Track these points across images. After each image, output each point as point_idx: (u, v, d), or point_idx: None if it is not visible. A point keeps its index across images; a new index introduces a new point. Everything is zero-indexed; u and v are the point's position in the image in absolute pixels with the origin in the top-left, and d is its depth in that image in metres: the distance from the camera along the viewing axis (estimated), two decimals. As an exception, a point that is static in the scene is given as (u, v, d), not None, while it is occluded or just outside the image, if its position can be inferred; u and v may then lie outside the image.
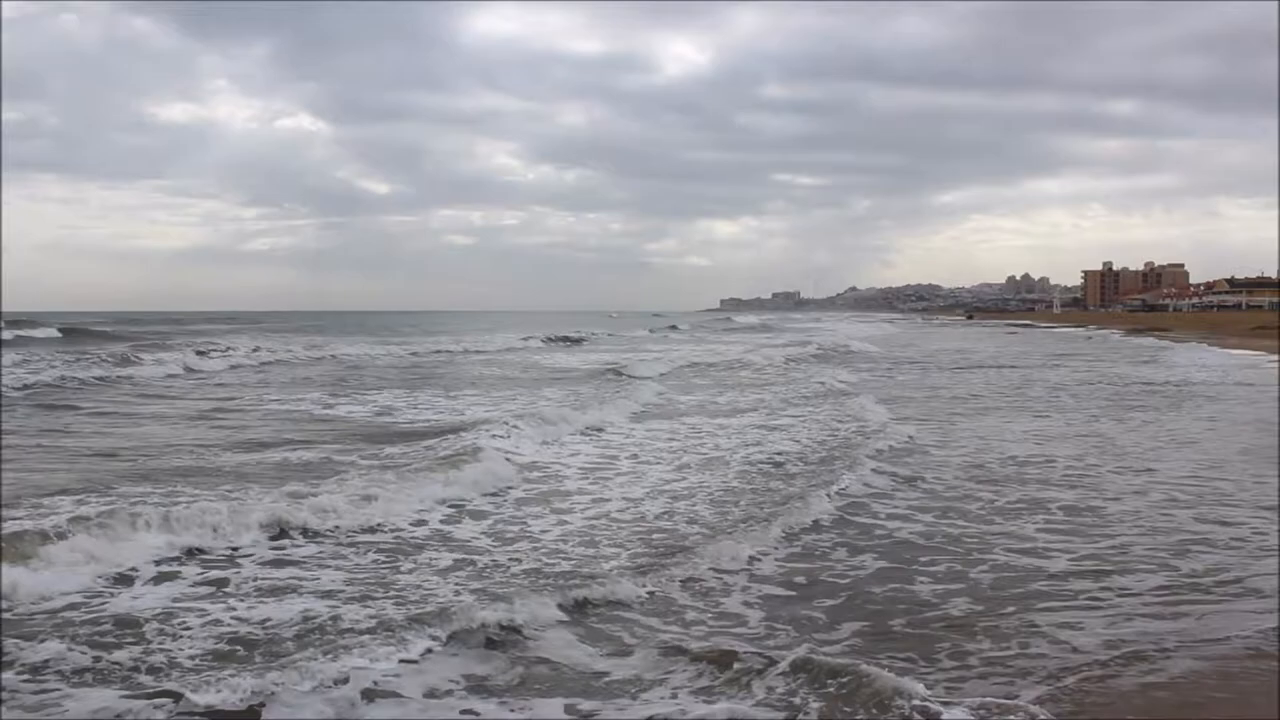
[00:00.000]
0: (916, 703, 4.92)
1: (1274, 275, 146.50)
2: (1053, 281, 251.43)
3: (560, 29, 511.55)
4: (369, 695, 5.34)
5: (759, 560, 8.16)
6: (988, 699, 5.15)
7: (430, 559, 8.16)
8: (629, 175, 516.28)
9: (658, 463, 12.98)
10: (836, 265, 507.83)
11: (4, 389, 21.60)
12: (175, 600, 6.99)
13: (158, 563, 7.82)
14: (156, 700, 5.13)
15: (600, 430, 16.02)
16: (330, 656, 5.70)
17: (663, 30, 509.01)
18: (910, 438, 14.97)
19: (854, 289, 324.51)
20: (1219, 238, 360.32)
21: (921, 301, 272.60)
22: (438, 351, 42.65)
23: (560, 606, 6.73)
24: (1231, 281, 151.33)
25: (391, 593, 7.14)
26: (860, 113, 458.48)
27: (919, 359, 38.56)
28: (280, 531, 8.78)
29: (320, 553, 8.33)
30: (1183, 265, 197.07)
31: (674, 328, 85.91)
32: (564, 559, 8.19)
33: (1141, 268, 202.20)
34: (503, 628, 6.25)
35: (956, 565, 8.08)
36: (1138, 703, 5.36)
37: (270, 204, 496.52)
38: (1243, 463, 12.86)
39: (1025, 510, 10.08)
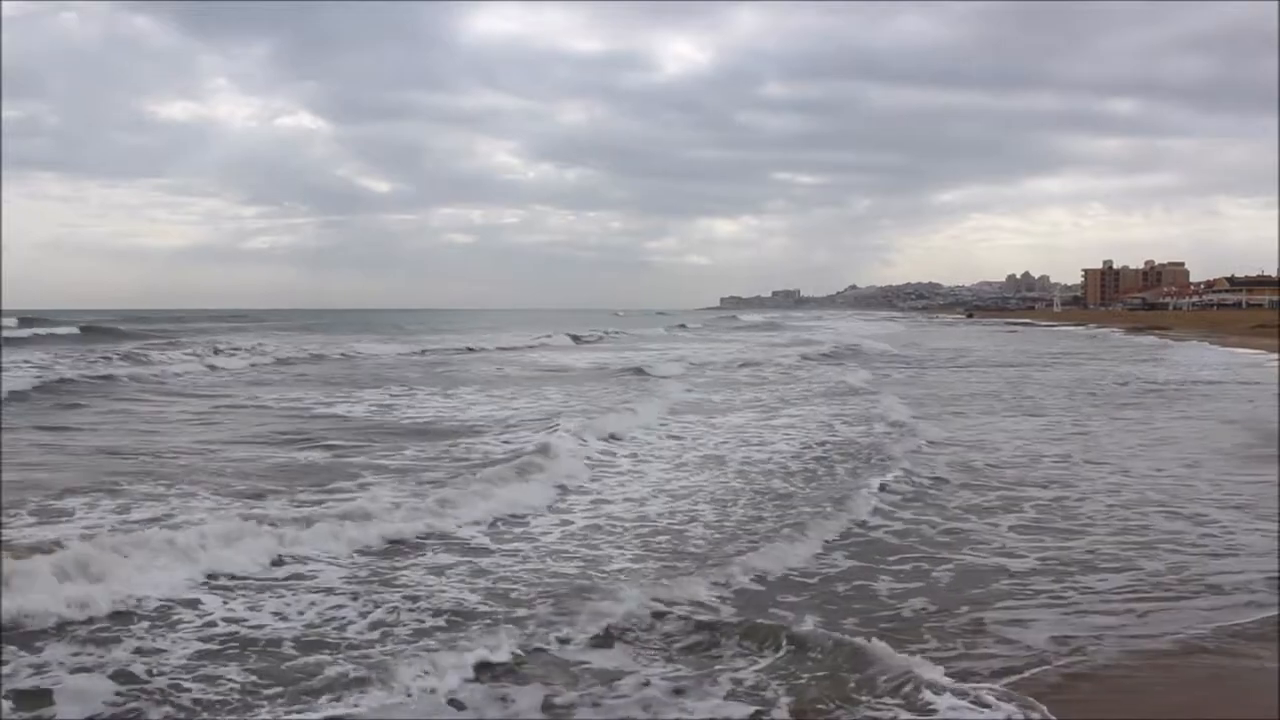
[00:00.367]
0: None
1: (1274, 274, 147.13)
2: (1053, 280, 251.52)
3: (560, 28, 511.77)
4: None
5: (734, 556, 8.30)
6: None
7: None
8: (629, 174, 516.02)
9: (704, 468, 12.66)
10: (836, 264, 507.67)
11: (33, 385, 21.80)
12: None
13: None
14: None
15: (663, 427, 16.48)
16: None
17: (663, 29, 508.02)
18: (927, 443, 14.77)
19: (854, 287, 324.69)
20: (1219, 237, 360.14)
21: (921, 300, 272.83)
22: (456, 350, 42.32)
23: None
24: (1232, 280, 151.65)
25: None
26: (860, 112, 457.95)
27: (925, 357, 38.78)
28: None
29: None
30: (1183, 264, 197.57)
31: (682, 326, 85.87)
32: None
33: (1142, 266, 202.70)
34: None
35: (923, 564, 8.15)
36: (1070, 697, 5.49)
37: (270, 202, 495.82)
38: (1220, 462, 12.99)
39: (1000, 509, 10.18)
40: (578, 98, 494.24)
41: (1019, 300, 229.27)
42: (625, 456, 13.51)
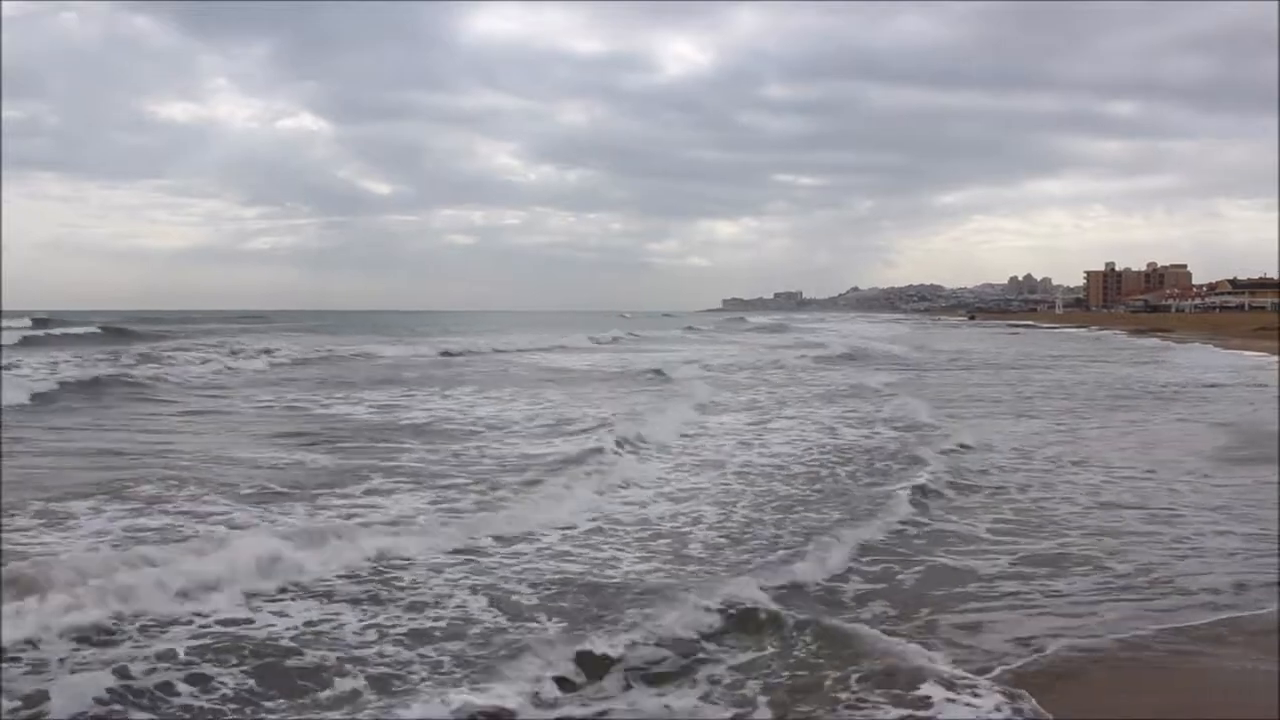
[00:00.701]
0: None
1: (1276, 276, 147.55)
2: (1055, 282, 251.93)
3: (561, 28, 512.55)
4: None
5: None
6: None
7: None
8: (630, 175, 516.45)
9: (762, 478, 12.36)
10: (838, 265, 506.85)
11: (59, 383, 22.14)
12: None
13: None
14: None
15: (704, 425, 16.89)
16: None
17: (663, 30, 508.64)
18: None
19: (856, 289, 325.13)
20: (1221, 238, 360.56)
21: (923, 302, 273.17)
22: (480, 351, 41.91)
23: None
24: (1234, 282, 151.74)
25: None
26: (860, 112, 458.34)
27: (935, 360, 38.95)
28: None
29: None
30: (1185, 266, 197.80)
31: (692, 329, 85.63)
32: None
33: (1144, 268, 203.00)
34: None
35: (894, 566, 8.13)
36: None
37: (271, 203, 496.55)
38: (1202, 464, 13.02)
39: (980, 509, 10.21)
40: (578, 98, 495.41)
41: (1021, 302, 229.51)
42: (688, 457, 13.72)
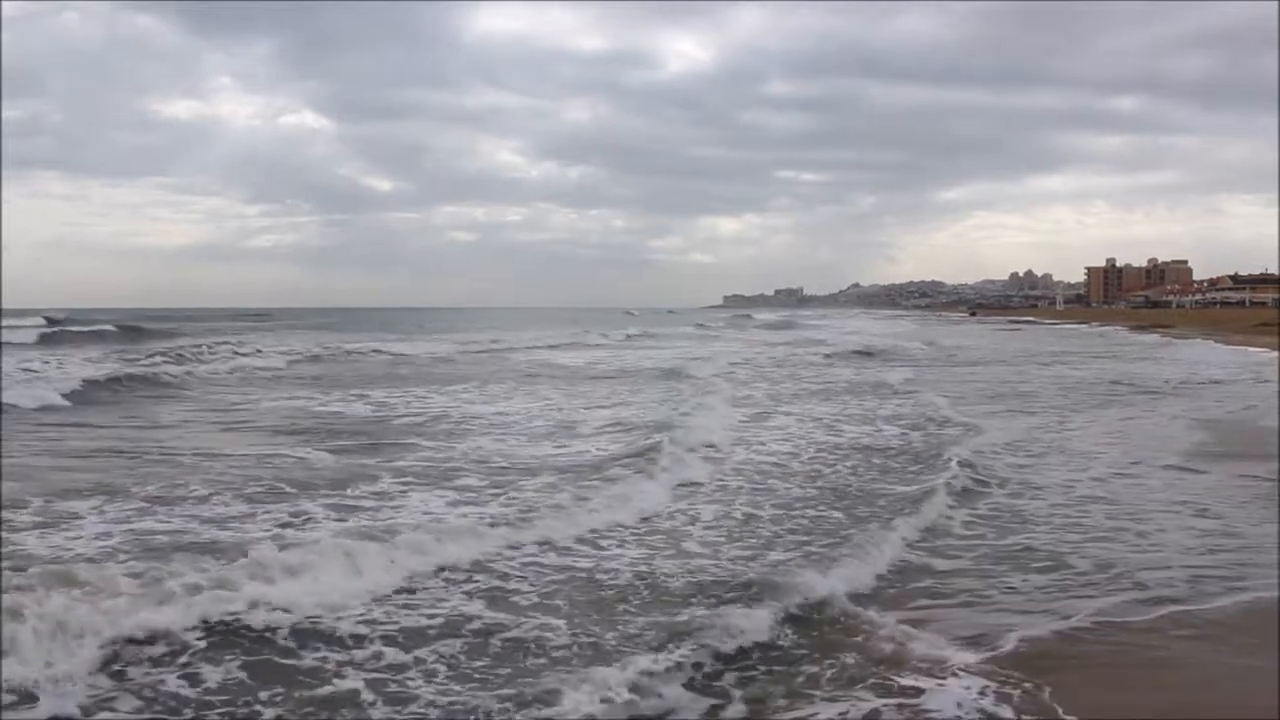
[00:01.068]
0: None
1: (1276, 272, 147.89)
2: (1056, 278, 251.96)
3: (563, 26, 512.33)
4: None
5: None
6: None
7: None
8: (632, 172, 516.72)
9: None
10: (839, 262, 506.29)
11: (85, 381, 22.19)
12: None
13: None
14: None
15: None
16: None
17: (666, 27, 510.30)
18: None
19: (857, 285, 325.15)
20: (1222, 234, 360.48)
21: (924, 298, 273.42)
22: (501, 349, 41.66)
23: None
24: (1235, 278, 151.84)
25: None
26: (862, 110, 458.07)
27: (945, 355, 38.92)
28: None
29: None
30: (1186, 262, 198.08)
31: (701, 325, 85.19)
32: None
33: (1145, 264, 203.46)
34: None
35: (854, 563, 7.95)
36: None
37: (273, 201, 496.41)
38: (1178, 459, 12.94)
39: (953, 506, 10.06)
40: (581, 96, 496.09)
41: (1022, 298, 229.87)
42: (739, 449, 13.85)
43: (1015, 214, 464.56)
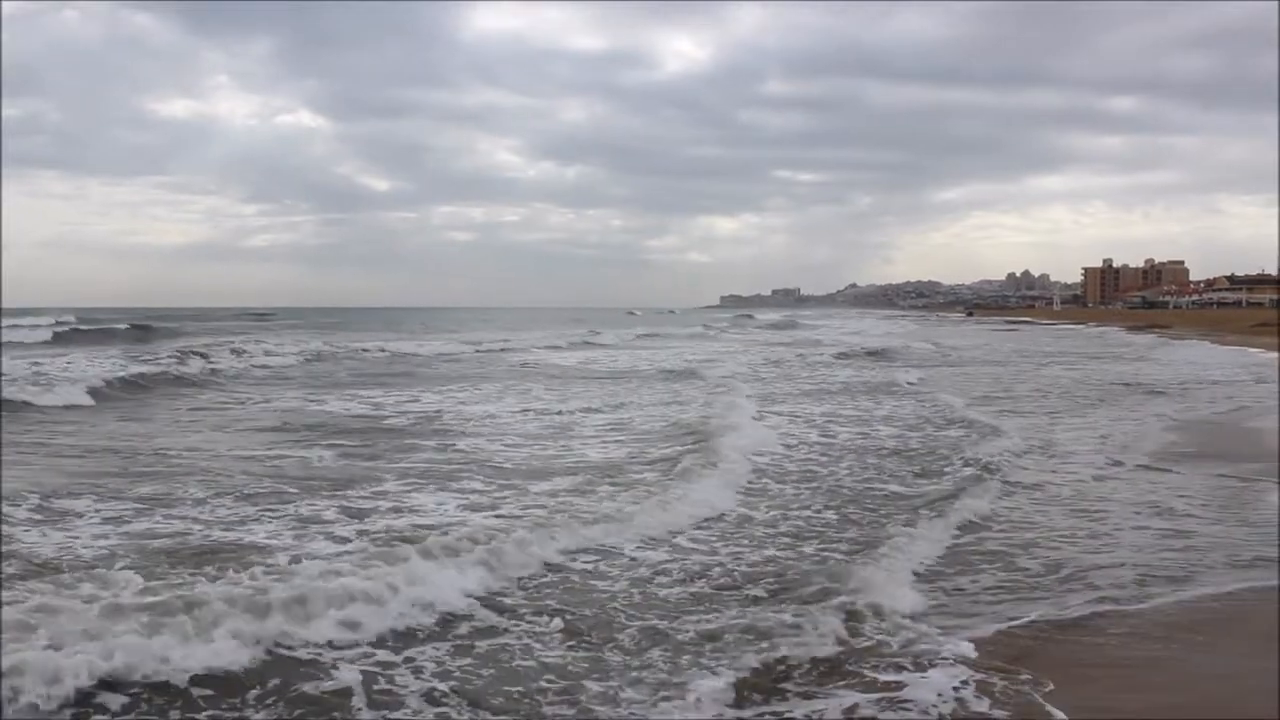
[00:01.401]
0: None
1: (1274, 272, 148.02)
2: (1053, 278, 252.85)
3: (561, 26, 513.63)
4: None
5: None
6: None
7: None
8: (629, 172, 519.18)
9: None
10: (837, 262, 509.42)
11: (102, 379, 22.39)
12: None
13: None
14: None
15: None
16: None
17: (663, 27, 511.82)
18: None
19: (854, 285, 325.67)
20: (1220, 234, 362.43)
21: (921, 298, 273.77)
22: (509, 349, 41.50)
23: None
24: (1232, 279, 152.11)
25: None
26: (861, 109, 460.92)
27: (949, 356, 38.90)
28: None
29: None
30: (1183, 262, 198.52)
31: (706, 326, 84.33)
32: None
33: (1142, 265, 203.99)
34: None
35: (793, 564, 7.97)
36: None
37: (271, 200, 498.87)
38: (1146, 459, 13.01)
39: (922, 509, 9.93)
40: (578, 95, 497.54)
41: (1019, 298, 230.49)
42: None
43: (1013, 214, 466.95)
